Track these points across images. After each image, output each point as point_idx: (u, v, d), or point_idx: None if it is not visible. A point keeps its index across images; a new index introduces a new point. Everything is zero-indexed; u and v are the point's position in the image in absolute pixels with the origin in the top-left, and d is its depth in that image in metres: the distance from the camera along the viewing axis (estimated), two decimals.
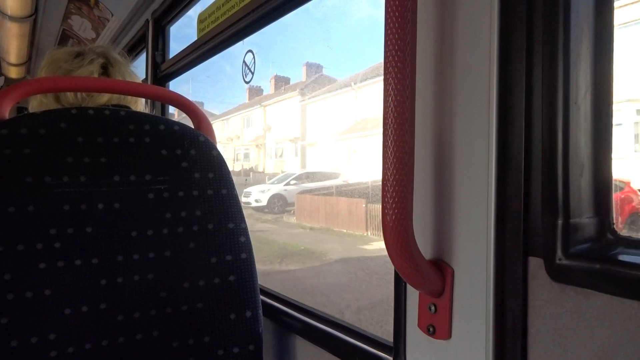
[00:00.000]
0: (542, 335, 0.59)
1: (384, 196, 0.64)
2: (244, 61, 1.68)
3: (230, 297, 0.99)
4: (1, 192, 0.84)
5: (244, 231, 1.03)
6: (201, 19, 1.81)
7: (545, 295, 0.59)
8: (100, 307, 0.89)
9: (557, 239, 0.57)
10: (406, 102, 0.63)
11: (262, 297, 1.09)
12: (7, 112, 0.92)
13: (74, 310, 0.87)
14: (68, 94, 1.17)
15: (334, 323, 1.03)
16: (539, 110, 0.59)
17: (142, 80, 2.25)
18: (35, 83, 1.01)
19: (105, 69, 1.23)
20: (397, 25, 0.62)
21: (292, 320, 1.12)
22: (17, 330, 0.82)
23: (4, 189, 0.84)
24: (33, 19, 3.14)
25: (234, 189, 1.05)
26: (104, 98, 1.19)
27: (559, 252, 0.56)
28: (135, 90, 1.15)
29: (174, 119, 1.08)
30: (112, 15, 2.64)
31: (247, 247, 1.03)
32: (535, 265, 0.60)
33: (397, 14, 0.62)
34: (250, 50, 1.68)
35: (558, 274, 0.57)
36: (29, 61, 4.50)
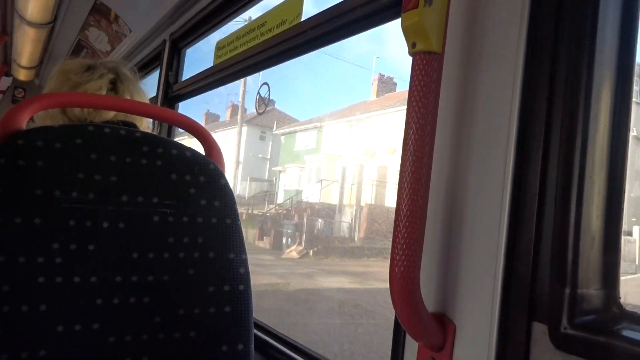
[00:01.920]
0: None
1: (394, 247, 0.65)
2: (258, 93, 1.71)
3: (224, 328, 0.98)
4: (10, 203, 0.84)
5: (244, 262, 1.03)
6: (219, 46, 1.85)
7: None
8: (93, 326, 0.88)
9: (563, 308, 0.58)
10: (423, 158, 0.64)
11: (255, 331, 1.08)
12: (24, 123, 0.92)
13: (67, 328, 0.86)
14: (75, 108, 1.17)
15: None
16: (553, 181, 0.61)
17: (151, 99, 2.28)
18: (54, 97, 1.02)
19: (114, 85, 1.24)
20: (422, 83, 0.65)
21: (283, 357, 1.11)
22: (8, 344, 0.80)
23: (14, 200, 0.84)
24: (51, 26, 3.18)
25: (238, 219, 1.05)
26: (110, 113, 1.20)
27: (564, 321, 0.57)
28: (148, 112, 1.16)
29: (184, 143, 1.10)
30: (130, 31, 2.69)
31: (245, 278, 1.02)
32: (539, 331, 0.60)
33: (423, 72, 0.65)
34: (265, 83, 1.71)
35: (562, 343, 0.57)
36: (40, 65, 4.53)
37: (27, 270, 0.83)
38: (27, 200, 0.86)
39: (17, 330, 0.82)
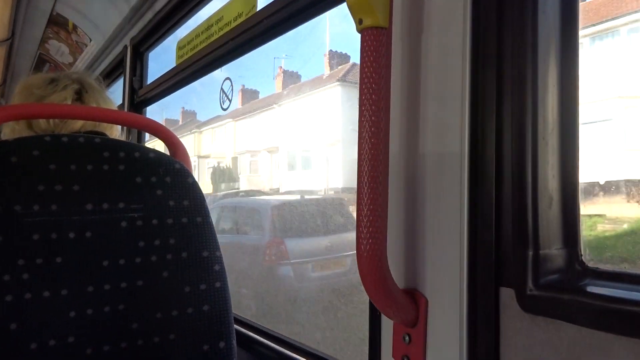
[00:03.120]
0: None
1: (358, 226, 0.64)
2: (222, 89, 1.69)
3: (203, 327, 0.97)
4: None
5: (219, 259, 1.02)
6: (180, 46, 1.82)
7: (516, 325, 0.60)
8: (68, 340, 0.86)
9: (527, 270, 0.58)
10: (380, 134, 0.64)
11: (236, 326, 1.08)
12: None
13: (40, 344, 0.84)
14: (40, 120, 1.15)
15: (310, 353, 1.02)
16: (508, 144, 0.61)
17: (119, 106, 2.24)
18: (8, 110, 0.99)
19: (79, 95, 1.21)
20: (372, 59, 0.64)
21: (267, 351, 1.10)
22: None
23: None
24: (9, 42, 3.11)
25: (209, 216, 1.04)
26: (77, 124, 1.17)
27: (530, 283, 0.57)
28: (110, 118, 1.14)
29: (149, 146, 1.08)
30: (91, 40, 2.64)
31: (221, 275, 1.01)
32: (507, 295, 0.61)
33: (372, 48, 0.64)
34: (227, 78, 1.69)
35: (529, 305, 0.58)
36: (4, 84, 4.42)
37: None
38: None
39: None
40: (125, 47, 2.29)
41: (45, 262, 0.86)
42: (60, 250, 0.88)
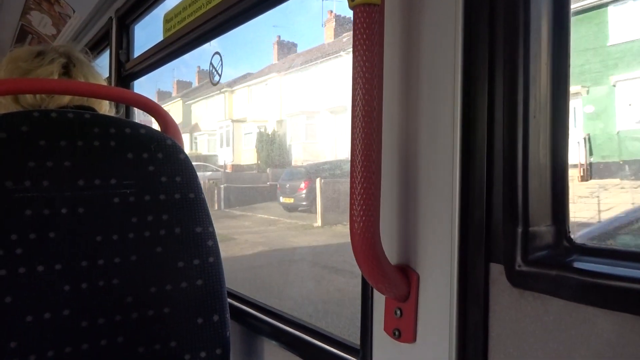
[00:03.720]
0: (503, 339, 0.62)
1: (351, 203, 0.65)
2: (211, 63, 1.67)
3: (197, 301, 0.99)
4: None
5: (212, 235, 1.03)
6: (167, 19, 1.78)
7: (505, 300, 0.61)
8: (63, 313, 0.88)
9: (516, 246, 0.59)
10: (373, 112, 0.64)
11: (230, 300, 1.09)
12: None
13: (36, 317, 0.85)
14: (27, 95, 1.13)
15: (301, 326, 1.04)
16: (500, 121, 0.61)
17: (106, 79, 2.20)
18: None
19: (66, 69, 1.19)
20: (364, 36, 0.63)
21: (260, 324, 1.12)
22: None
23: None
24: None
25: (202, 192, 1.04)
26: (65, 99, 1.16)
27: (519, 259, 0.59)
28: (98, 93, 1.13)
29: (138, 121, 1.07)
30: (74, 12, 2.57)
31: (214, 250, 1.02)
32: (496, 271, 0.62)
33: (364, 25, 0.64)
34: (217, 53, 1.67)
35: (517, 280, 0.59)
36: None
37: None
38: None
39: None
40: (110, 19, 2.23)
41: (39, 237, 0.86)
42: (53, 225, 0.88)
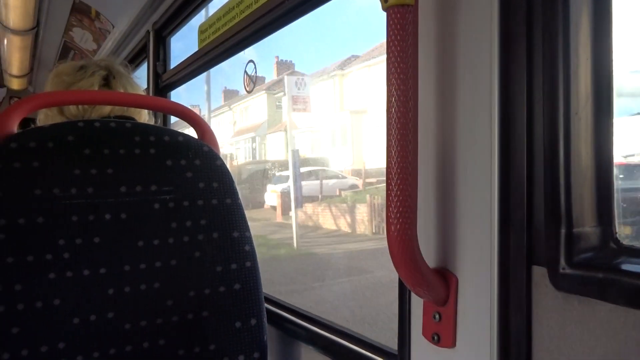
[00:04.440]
0: (547, 344, 0.60)
1: (388, 206, 0.64)
2: (245, 71, 1.70)
3: (235, 305, 1.00)
4: (11, 204, 0.85)
5: (249, 240, 1.04)
6: (202, 30, 1.82)
7: (549, 304, 0.59)
8: (108, 316, 0.90)
9: (560, 248, 0.57)
10: (409, 114, 0.63)
11: (266, 305, 1.10)
12: (15, 127, 0.93)
13: (83, 319, 0.88)
14: (71, 106, 1.18)
15: (338, 331, 1.04)
16: (540, 120, 0.60)
17: (144, 90, 2.27)
18: (41, 98, 1.02)
19: (107, 81, 1.24)
20: (399, 38, 0.63)
21: (296, 328, 1.13)
22: (27, 339, 0.83)
23: (14, 201, 0.86)
24: (35, 31, 3.16)
25: (238, 198, 1.06)
26: (106, 109, 1.20)
27: (562, 262, 0.57)
28: (137, 102, 1.16)
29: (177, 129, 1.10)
30: (113, 27, 2.66)
31: (251, 255, 1.03)
32: (539, 274, 0.60)
33: (398, 26, 0.64)
34: (251, 61, 1.69)
35: (562, 283, 0.57)
36: (31, 73, 4.52)
37: (37, 268, 0.85)
38: (28, 201, 0.87)
39: (34, 326, 0.84)
40: (148, 32, 2.30)
41: (85, 242, 0.90)
42: (97, 230, 0.91)
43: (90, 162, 0.93)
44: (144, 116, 1.30)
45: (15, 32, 3.08)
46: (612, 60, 0.58)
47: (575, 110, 0.57)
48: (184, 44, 2.21)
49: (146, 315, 0.93)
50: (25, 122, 1.10)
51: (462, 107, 0.68)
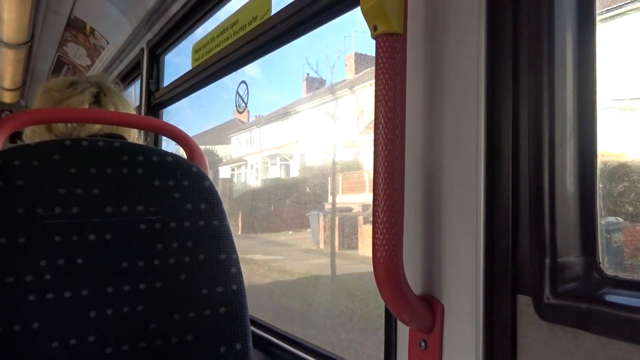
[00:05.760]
0: None
1: (374, 232, 0.64)
2: (237, 92, 1.71)
3: (220, 329, 0.98)
4: None
5: (235, 262, 1.03)
6: (196, 49, 1.84)
7: (534, 333, 0.59)
8: (88, 339, 0.88)
9: (545, 278, 0.57)
10: (396, 141, 0.64)
11: (253, 328, 1.09)
12: (0, 144, 0.92)
13: (62, 343, 0.86)
14: (59, 124, 1.17)
15: (325, 356, 1.02)
16: (525, 151, 0.60)
17: (136, 108, 2.27)
18: (27, 115, 1.02)
19: (97, 98, 1.23)
20: (387, 65, 0.64)
21: (282, 353, 1.11)
22: None
23: None
24: (29, 45, 3.16)
25: (226, 219, 1.05)
26: (96, 127, 1.19)
27: (547, 291, 0.57)
28: (127, 121, 1.16)
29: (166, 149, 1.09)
30: (108, 43, 2.68)
31: (238, 278, 1.02)
32: (524, 303, 0.60)
33: (387, 54, 0.64)
34: (243, 81, 1.70)
35: (546, 313, 0.57)
36: (23, 86, 4.51)
37: (16, 290, 0.83)
38: (10, 220, 0.85)
39: (12, 350, 0.82)
40: (142, 49, 2.32)
41: (67, 263, 0.88)
42: (81, 251, 0.90)
43: (76, 182, 0.92)
44: (134, 134, 1.29)
45: (9, 45, 3.08)
46: (596, 94, 0.59)
47: (559, 142, 0.58)
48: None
49: (128, 339, 0.92)
50: (13, 137, 1.09)
51: (448, 135, 0.68)
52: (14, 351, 0.82)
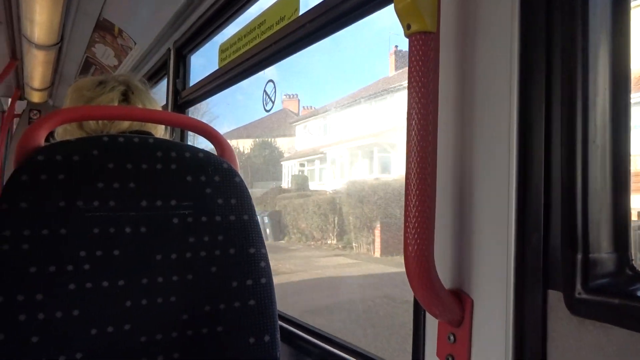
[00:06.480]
0: None
1: (406, 227, 0.66)
2: (264, 91, 1.73)
3: (249, 321, 1.01)
4: (36, 216, 0.88)
5: (264, 256, 1.05)
6: (223, 49, 1.87)
7: (564, 328, 0.60)
8: (124, 328, 0.92)
9: (576, 273, 0.58)
10: (429, 137, 0.65)
11: (280, 322, 1.11)
12: (42, 140, 0.96)
13: (100, 330, 0.89)
14: (90, 121, 1.21)
15: (351, 350, 1.04)
16: (558, 147, 0.61)
17: (163, 106, 2.32)
18: (67, 112, 1.05)
19: (125, 96, 1.27)
20: (420, 63, 0.65)
21: (309, 346, 1.13)
22: (46, 349, 0.84)
23: (39, 213, 0.88)
24: (58, 47, 3.25)
25: (255, 214, 1.08)
26: (125, 124, 1.23)
27: (579, 286, 0.58)
28: (160, 118, 1.19)
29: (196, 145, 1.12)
30: (135, 44, 2.73)
31: (267, 272, 1.05)
32: (555, 298, 0.61)
33: (420, 52, 0.66)
34: (271, 80, 1.73)
35: (577, 308, 0.58)
36: (52, 86, 4.62)
37: (58, 279, 0.87)
38: (52, 212, 0.89)
39: (54, 335, 0.85)
40: (169, 50, 2.36)
41: (105, 254, 0.92)
42: (117, 243, 0.93)
43: (113, 176, 0.95)
44: (160, 131, 1.32)
45: (39, 47, 3.16)
46: (629, 92, 0.60)
47: (593, 138, 0.58)
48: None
49: (162, 329, 0.95)
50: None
51: (481, 132, 0.69)
52: (56, 337, 0.85)
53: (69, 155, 0.93)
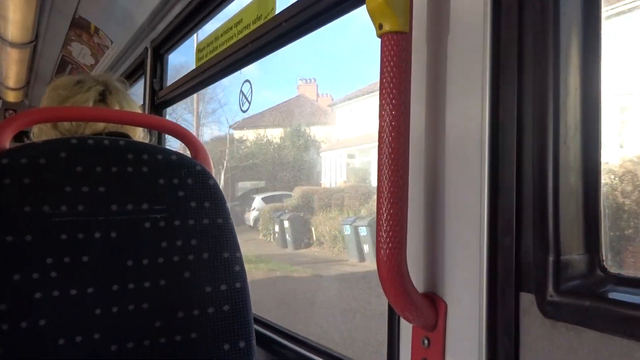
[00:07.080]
0: None
1: (378, 231, 0.65)
2: (241, 91, 1.71)
3: (224, 327, 0.99)
4: (0, 221, 0.84)
5: (239, 260, 1.03)
6: (200, 49, 1.84)
7: (537, 331, 0.59)
8: (94, 337, 0.89)
9: (548, 275, 0.58)
10: (401, 138, 0.64)
11: (256, 326, 1.09)
12: (7, 142, 0.93)
13: (68, 340, 0.87)
14: (65, 122, 1.18)
15: (328, 354, 1.03)
16: (529, 148, 0.61)
17: (140, 106, 2.28)
18: (34, 114, 1.02)
19: (103, 96, 1.24)
20: (392, 64, 0.64)
21: (285, 351, 1.12)
22: None
23: (3, 219, 0.85)
24: (33, 45, 3.18)
25: (230, 218, 1.06)
26: (100, 125, 1.20)
27: (550, 289, 0.57)
28: (131, 120, 1.17)
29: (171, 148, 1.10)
30: (112, 42, 2.68)
31: (241, 276, 1.03)
32: (527, 301, 0.60)
33: (392, 52, 0.65)
34: (247, 80, 1.71)
35: (549, 311, 0.58)
36: (27, 86, 4.53)
37: (23, 287, 0.84)
38: (17, 218, 0.86)
39: (19, 347, 0.82)
40: (146, 49, 2.33)
41: (73, 261, 0.89)
42: (86, 249, 0.90)
43: (82, 180, 0.92)
44: (139, 133, 1.30)
45: (13, 44, 3.09)
46: (600, 91, 0.60)
47: (563, 139, 0.58)
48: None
49: (133, 337, 0.92)
50: (20, 135, 1.10)
51: (452, 134, 0.69)
52: (21, 348, 0.82)
53: (35, 158, 0.90)
